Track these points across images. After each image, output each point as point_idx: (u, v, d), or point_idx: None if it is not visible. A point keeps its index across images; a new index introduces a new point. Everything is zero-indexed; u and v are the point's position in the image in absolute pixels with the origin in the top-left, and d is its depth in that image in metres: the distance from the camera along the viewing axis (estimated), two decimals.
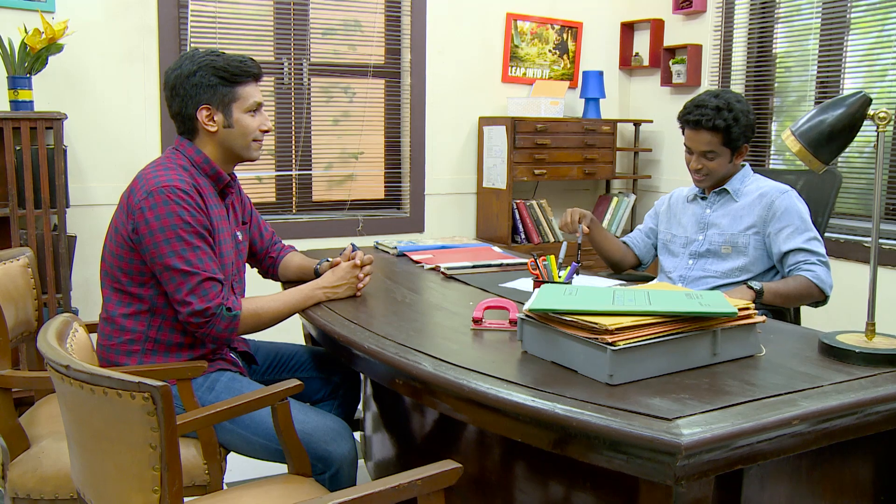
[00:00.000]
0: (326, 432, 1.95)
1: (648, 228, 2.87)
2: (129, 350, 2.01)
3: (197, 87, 2.02)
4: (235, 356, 2.20)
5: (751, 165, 2.68)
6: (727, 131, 2.47)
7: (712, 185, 2.63)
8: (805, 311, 2.73)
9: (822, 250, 2.48)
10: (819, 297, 2.46)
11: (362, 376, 2.50)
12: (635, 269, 2.90)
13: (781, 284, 2.44)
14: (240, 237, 2.23)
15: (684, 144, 2.57)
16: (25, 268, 2.28)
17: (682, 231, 2.69)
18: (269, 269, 2.47)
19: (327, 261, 2.35)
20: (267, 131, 2.14)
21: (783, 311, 2.50)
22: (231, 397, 1.92)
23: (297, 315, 2.25)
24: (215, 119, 2.06)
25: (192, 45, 3.81)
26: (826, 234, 3.75)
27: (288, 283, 2.41)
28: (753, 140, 4.20)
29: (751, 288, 2.36)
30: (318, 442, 1.92)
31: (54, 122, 3.17)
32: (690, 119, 2.50)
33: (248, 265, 2.38)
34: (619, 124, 4.71)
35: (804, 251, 2.45)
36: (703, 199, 2.67)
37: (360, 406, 2.56)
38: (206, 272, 1.94)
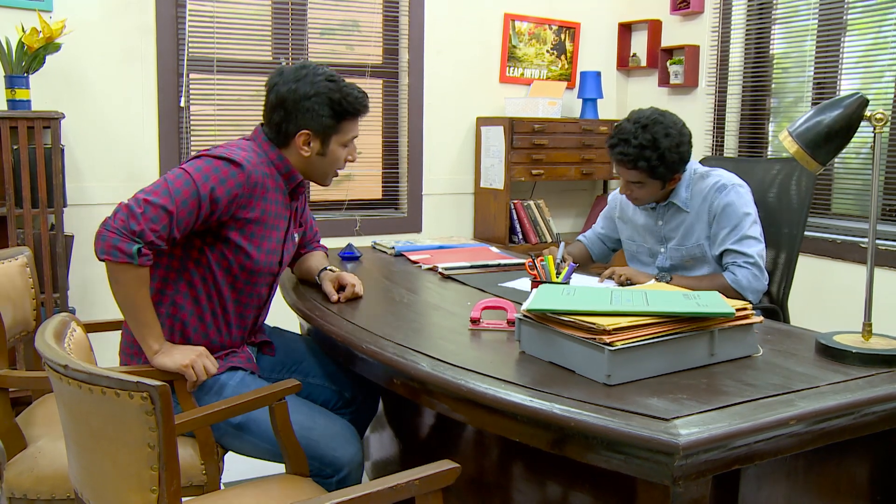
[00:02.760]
0: (333, 437, 1.94)
1: (604, 234, 2.82)
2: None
3: (307, 111, 2.00)
4: (251, 350, 2.18)
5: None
6: (651, 171, 2.35)
7: (658, 199, 2.52)
8: (803, 310, 2.73)
9: (753, 250, 2.37)
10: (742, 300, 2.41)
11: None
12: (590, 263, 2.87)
13: (694, 282, 2.37)
14: (296, 239, 2.23)
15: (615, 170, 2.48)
16: (23, 267, 2.28)
17: (641, 240, 2.63)
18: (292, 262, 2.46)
19: (331, 270, 2.32)
20: (351, 161, 2.13)
21: (775, 311, 2.50)
22: None
23: (295, 315, 2.25)
24: (311, 145, 2.04)
25: (191, 44, 3.80)
26: (823, 235, 3.77)
27: (305, 282, 2.40)
28: (751, 140, 4.23)
29: (657, 280, 2.33)
30: (325, 447, 1.92)
31: (52, 121, 3.17)
32: (613, 156, 2.39)
33: None
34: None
35: (733, 252, 2.39)
36: (653, 209, 2.56)
37: None
38: (174, 208, 1.81)
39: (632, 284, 2.33)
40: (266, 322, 2.30)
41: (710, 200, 2.43)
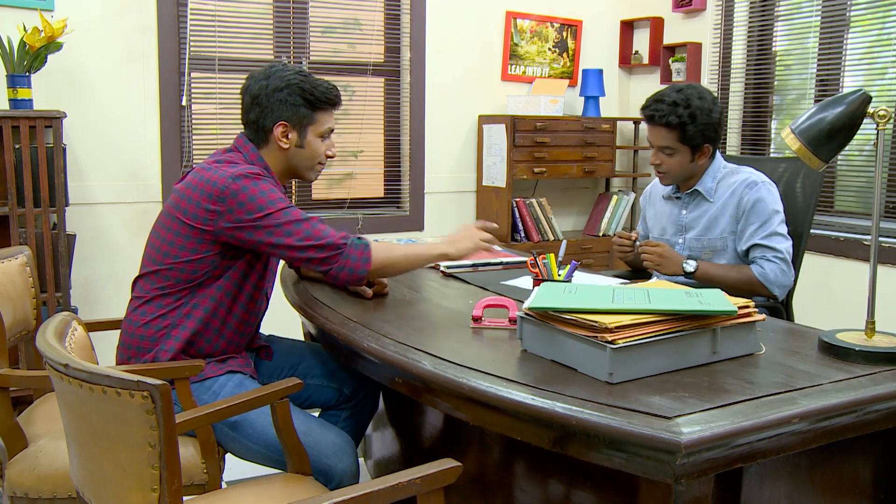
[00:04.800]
0: (328, 446, 1.95)
1: (644, 236, 2.85)
2: (161, 325, 2.00)
3: (281, 103, 2.06)
4: (250, 354, 2.19)
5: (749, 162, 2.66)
6: (682, 128, 2.41)
7: (684, 186, 2.59)
8: (806, 308, 2.72)
9: (782, 246, 2.42)
10: (765, 294, 2.43)
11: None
12: None
13: (721, 270, 2.43)
14: None
15: (647, 139, 2.55)
16: (24, 266, 2.28)
17: (661, 231, 2.67)
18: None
19: None
20: (332, 156, 2.19)
21: (778, 309, 2.50)
22: None
23: (297, 314, 2.25)
24: (289, 137, 2.10)
25: (192, 43, 3.80)
26: (825, 232, 3.76)
27: (307, 278, 2.41)
28: (754, 138, 4.22)
29: (685, 265, 2.41)
30: (318, 455, 1.91)
31: (53, 120, 3.17)
32: (647, 113, 2.47)
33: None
34: (618, 122, 4.71)
35: (762, 247, 2.42)
36: (677, 198, 2.62)
37: None
38: (316, 218, 2.00)
39: (660, 262, 2.43)
40: (262, 330, 2.31)
41: (740, 196, 2.46)
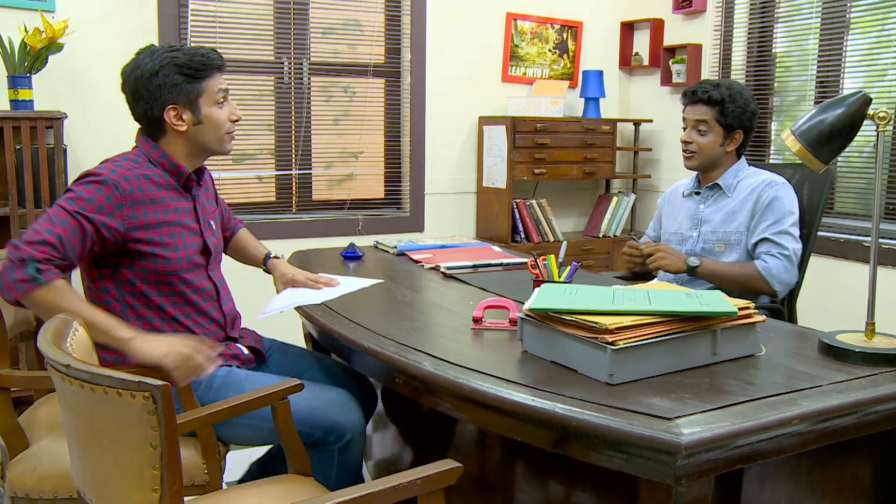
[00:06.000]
0: (333, 403, 1.97)
1: (654, 237, 2.89)
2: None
3: (161, 87, 1.95)
4: (241, 347, 2.18)
5: (751, 163, 2.67)
6: (722, 106, 2.52)
7: (705, 179, 2.65)
8: (807, 309, 2.73)
9: (790, 245, 2.45)
10: (765, 290, 2.45)
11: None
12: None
13: (724, 266, 2.48)
14: (213, 226, 2.18)
15: (682, 119, 2.62)
16: None
17: (677, 227, 2.70)
18: None
19: (276, 258, 2.42)
20: (237, 120, 2.08)
21: (779, 310, 2.51)
22: (230, 392, 1.93)
23: (297, 314, 2.25)
24: (184, 118, 1.99)
25: (193, 44, 3.80)
26: (826, 234, 3.76)
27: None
28: (754, 139, 4.21)
29: (689, 260, 2.46)
30: (325, 413, 1.93)
31: (54, 121, 3.17)
32: (690, 90, 2.60)
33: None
34: (618, 124, 4.71)
35: (769, 242, 2.46)
36: (697, 194, 2.69)
37: None
38: (55, 236, 1.79)
39: (665, 258, 2.48)
40: (264, 334, 2.32)
41: (759, 193, 2.52)
